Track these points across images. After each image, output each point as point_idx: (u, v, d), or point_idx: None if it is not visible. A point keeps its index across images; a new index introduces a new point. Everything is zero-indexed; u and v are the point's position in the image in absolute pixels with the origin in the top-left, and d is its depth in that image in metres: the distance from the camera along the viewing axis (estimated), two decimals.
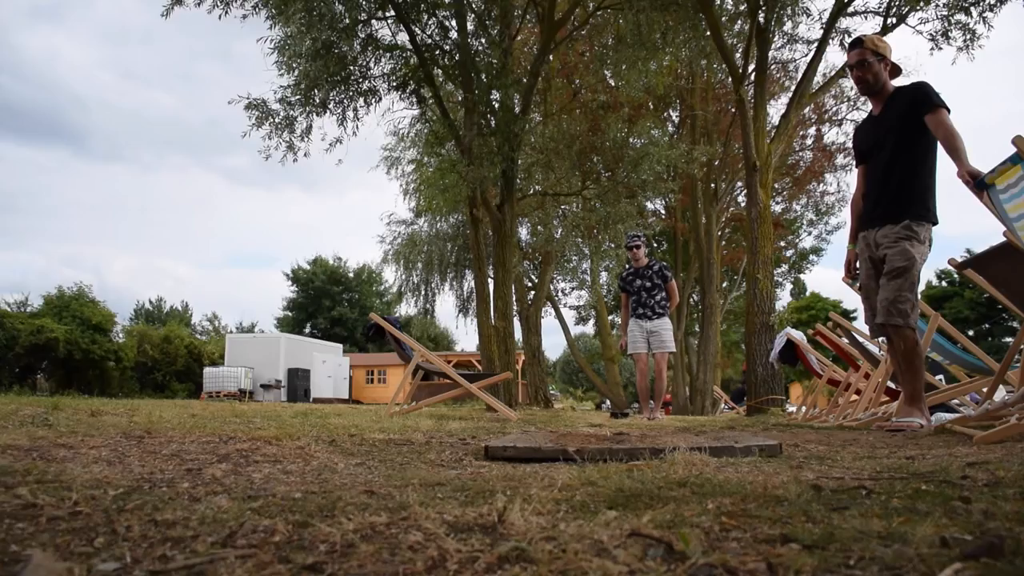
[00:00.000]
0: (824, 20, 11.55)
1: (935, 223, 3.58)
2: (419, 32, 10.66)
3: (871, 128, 3.77)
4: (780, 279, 28.08)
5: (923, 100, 3.46)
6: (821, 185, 22.41)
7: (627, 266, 7.29)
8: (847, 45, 3.85)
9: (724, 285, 24.43)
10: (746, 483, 1.38)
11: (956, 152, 3.28)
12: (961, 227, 55.76)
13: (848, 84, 17.74)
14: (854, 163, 3.96)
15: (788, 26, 13.07)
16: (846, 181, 22.52)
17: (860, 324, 6.45)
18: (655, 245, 25.41)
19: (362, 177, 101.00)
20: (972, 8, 10.50)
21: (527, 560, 0.81)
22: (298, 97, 10.42)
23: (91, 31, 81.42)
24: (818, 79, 12.21)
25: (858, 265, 3.91)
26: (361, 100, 10.97)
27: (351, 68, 10.50)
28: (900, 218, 3.54)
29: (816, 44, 11.31)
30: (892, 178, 3.58)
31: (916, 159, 3.54)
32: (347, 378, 25.97)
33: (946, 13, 10.72)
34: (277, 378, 21.71)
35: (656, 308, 6.87)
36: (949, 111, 3.42)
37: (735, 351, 33.99)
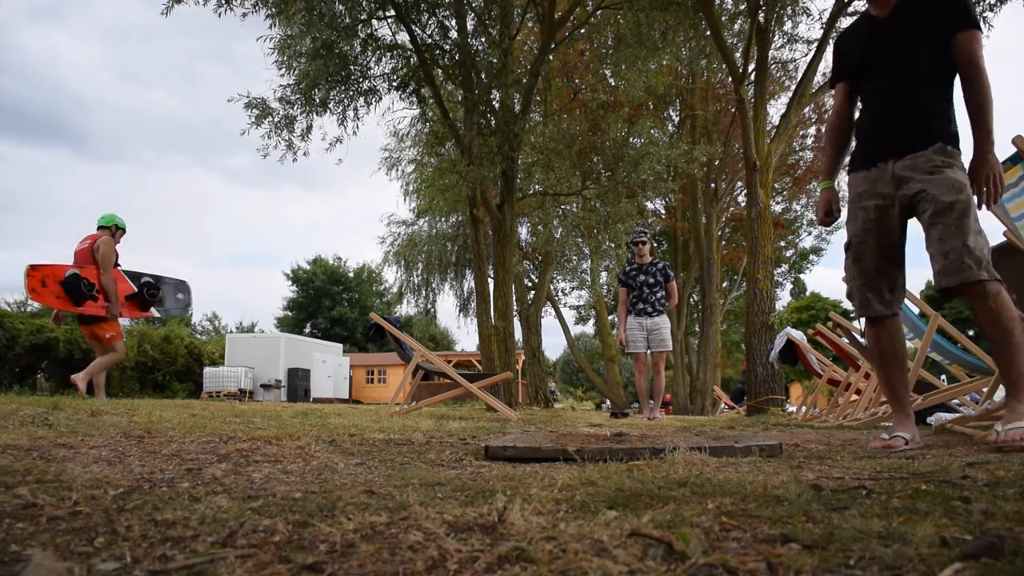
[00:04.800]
0: (824, 20, 11.55)
1: None
2: (419, 32, 10.66)
3: (870, 35, 2.90)
4: (780, 279, 28.09)
5: (955, 13, 2.65)
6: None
7: (629, 261, 7.30)
8: None
9: (724, 285, 24.43)
10: (746, 483, 1.38)
11: (982, 110, 2.56)
12: None
13: None
14: (831, 79, 3.11)
15: (788, 26, 13.06)
16: (846, 180, 22.49)
17: (860, 324, 6.46)
18: (655, 245, 25.42)
19: (362, 177, 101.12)
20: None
21: (527, 560, 0.81)
22: (298, 96, 10.43)
23: (91, 31, 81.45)
24: (818, 79, 12.19)
25: (842, 211, 2.99)
26: (361, 100, 10.98)
27: (351, 68, 10.50)
28: (929, 140, 2.64)
29: (816, 44, 11.30)
30: (914, 94, 2.73)
31: (941, 81, 2.70)
32: (347, 378, 25.97)
33: None
34: (277, 378, 21.70)
35: (656, 305, 6.89)
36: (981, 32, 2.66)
37: (735, 351, 34.00)
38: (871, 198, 2.79)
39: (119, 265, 6.44)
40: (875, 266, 2.76)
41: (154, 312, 7.01)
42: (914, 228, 2.78)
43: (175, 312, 7.09)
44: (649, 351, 6.91)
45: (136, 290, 6.65)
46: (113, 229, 6.39)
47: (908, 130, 2.70)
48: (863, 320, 2.94)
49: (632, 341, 6.89)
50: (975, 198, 2.56)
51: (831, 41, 11.05)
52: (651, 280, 6.92)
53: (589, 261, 20.01)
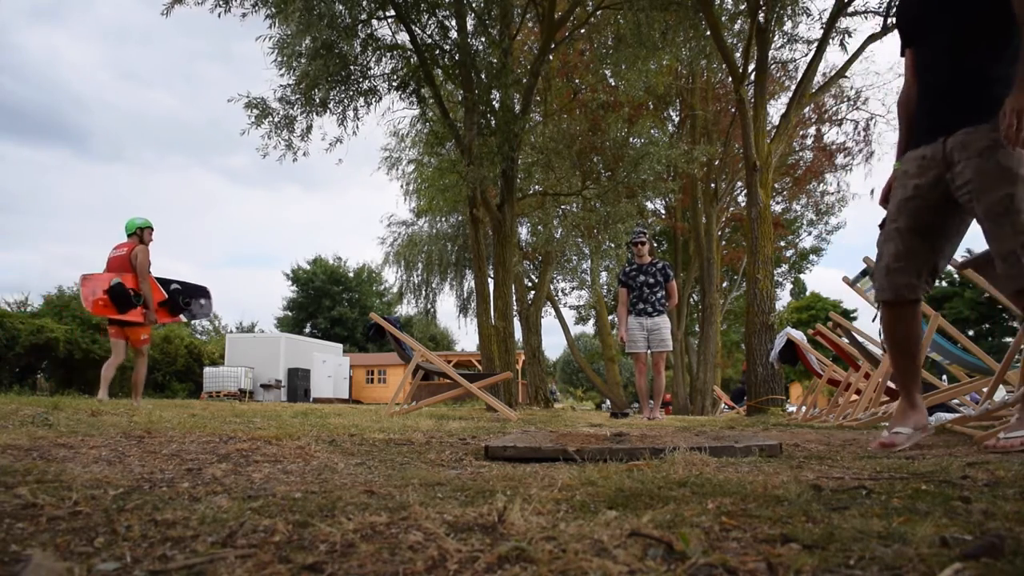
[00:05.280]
0: (824, 20, 11.54)
1: None
2: (419, 32, 10.66)
3: None
4: (780, 279, 28.09)
5: None
6: (821, 185, 22.43)
7: (629, 262, 7.30)
8: None
9: (724, 285, 24.43)
10: (746, 483, 1.38)
11: None
12: None
13: (848, 84, 17.78)
14: (900, 48, 2.76)
15: (788, 26, 13.06)
16: (846, 181, 22.51)
17: (860, 324, 6.46)
18: (655, 245, 25.44)
19: (362, 177, 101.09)
20: None
21: (527, 560, 0.81)
22: (298, 96, 10.43)
23: (91, 31, 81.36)
24: (818, 79, 12.20)
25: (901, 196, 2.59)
26: (361, 100, 10.98)
27: (351, 68, 10.50)
28: (983, 111, 2.30)
29: (816, 44, 11.30)
30: (961, 63, 2.41)
31: (1001, 38, 2.33)
32: (347, 378, 25.97)
33: None
34: (277, 378, 21.70)
35: (656, 305, 6.90)
36: None
37: (735, 351, 33.99)
38: (915, 177, 2.50)
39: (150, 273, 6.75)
40: (906, 247, 2.48)
41: (182, 318, 7.32)
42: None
43: (199, 317, 7.45)
44: (649, 351, 6.92)
45: (167, 296, 6.95)
46: (140, 233, 6.56)
47: (960, 100, 2.39)
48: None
49: (632, 341, 6.89)
50: None
51: (831, 41, 11.05)
52: (651, 280, 6.92)
53: (589, 261, 20.02)
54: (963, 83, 2.40)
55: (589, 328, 34.77)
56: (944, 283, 34.53)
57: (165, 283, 6.99)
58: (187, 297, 7.12)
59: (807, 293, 38.95)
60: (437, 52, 10.96)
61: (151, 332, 6.75)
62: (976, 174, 2.30)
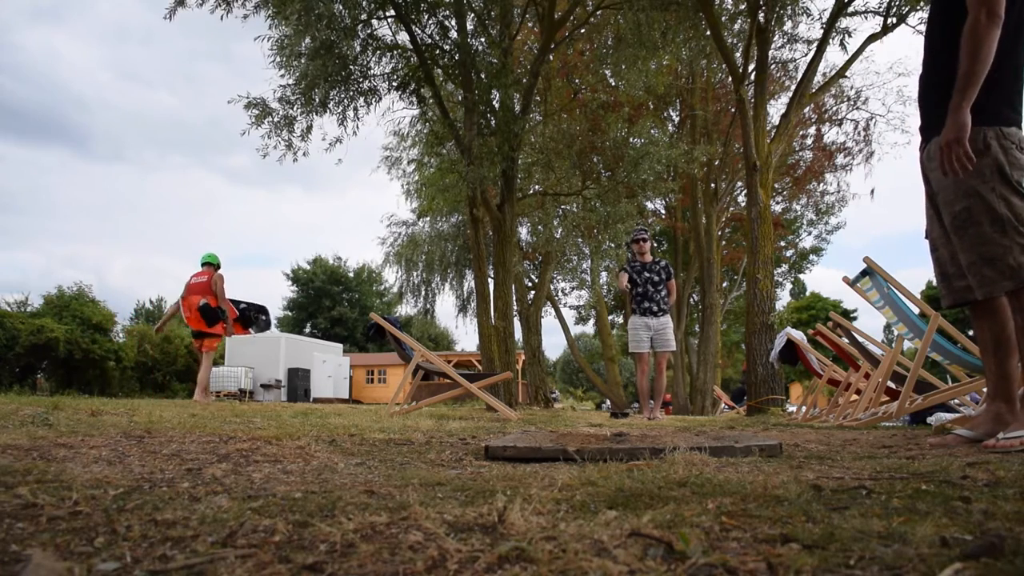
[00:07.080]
0: (824, 20, 11.55)
1: (1010, 123, 2.24)
2: (419, 32, 10.66)
3: None
4: (780, 279, 28.10)
5: None
6: (821, 185, 22.43)
7: (631, 260, 7.33)
8: None
9: (724, 285, 24.43)
10: (746, 483, 1.38)
11: (963, 60, 2.09)
12: None
13: (848, 84, 17.79)
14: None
15: (788, 26, 13.07)
16: (846, 181, 22.48)
17: (860, 324, 6.46)
18: (655, 245, 25.46)
19: (363, 177, 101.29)
20: None
21: (527, 560, 0.81)
22: (298, 96, 10.42)
23: (91, 31, 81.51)
24: (818, 79, 12.20)
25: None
26: (361, 100, 10.97)
27: (351, 68, 10.49)
28: (939, 127, 2.24)
29: (816, 44, 11.31)
30: (931, 60, 2.34)
31: (955, 49, 2.20)
32: (347, 378, 25.96)
33: None
34: (277, 378, 21.69)
35: (661, 304, 6.95)
36: None
37: (735, 351, 34.00)
38: (925, 184, 2.47)
39: None
40: (948, 252, 2.43)
41: (251, 331, 8.53)
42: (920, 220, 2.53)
43: (262, 331, 8.91)
44: (653, 351, 6.95)
45: (238, 313, 8.19)
46: (214, 263, 8.08)
47: (927, 108, 2.34)
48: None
49: (636, 341, 6.92)
50: (997, 172, 2.16)
51: (831, 41, 11.06)
52: (655, 279, 6.97)
53: (589, 261, 20.02)
54: (929, 88, 2.37)
55: (589, 328, 34.79)
56: None
57: (235, 303, 8.22)
58: (260, 314, 8.38)
59: (807, 293, 38.95)
60: (437, 52, 10.95)
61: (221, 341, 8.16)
62: (939, 187, 2.32)
